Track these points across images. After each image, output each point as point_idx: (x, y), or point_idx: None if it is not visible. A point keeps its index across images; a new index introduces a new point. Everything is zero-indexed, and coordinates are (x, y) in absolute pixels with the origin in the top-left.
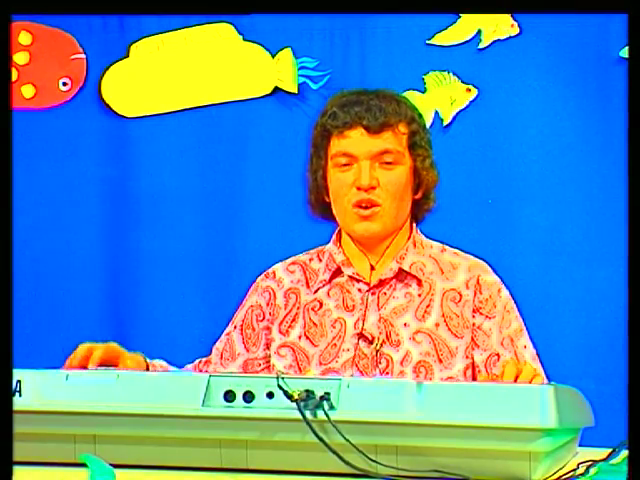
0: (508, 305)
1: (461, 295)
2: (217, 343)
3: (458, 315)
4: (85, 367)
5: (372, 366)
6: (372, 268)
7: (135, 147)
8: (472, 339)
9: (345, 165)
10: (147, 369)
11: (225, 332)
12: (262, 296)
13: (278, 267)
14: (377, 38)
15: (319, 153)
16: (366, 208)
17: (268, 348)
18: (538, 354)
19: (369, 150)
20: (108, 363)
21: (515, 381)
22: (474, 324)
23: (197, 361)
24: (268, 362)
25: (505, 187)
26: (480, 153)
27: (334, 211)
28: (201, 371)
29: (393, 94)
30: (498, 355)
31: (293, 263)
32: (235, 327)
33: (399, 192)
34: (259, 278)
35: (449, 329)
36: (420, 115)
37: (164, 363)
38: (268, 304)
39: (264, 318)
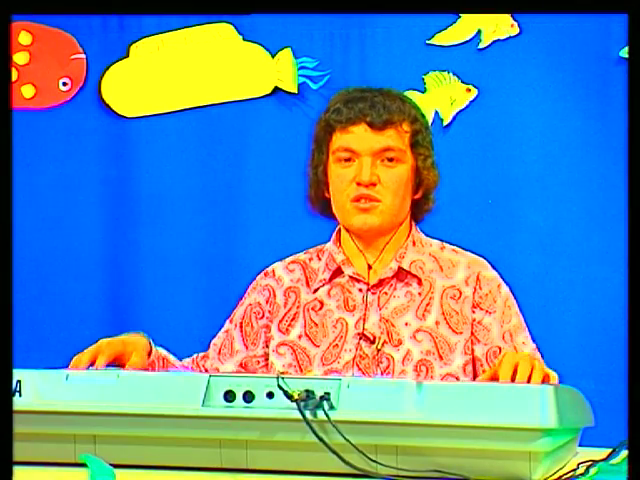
0: (508, 301)
1: (461, 292)
2: (215, 339)
3: (458, 312)
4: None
5: (373, 366)
6: (369, 267)
7: (135, 147)
8: (473, 334)
9: (346, 160)
10: (149, 354)
11: (223, 329)
12: (261, 294)
13: (278, 266)
14: (377, 38)
15: (321, 148)
16: (365, 202)
17: (267, 346)
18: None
19: (371, 146)
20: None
21: (514, 370)
22: (474, 319)
23: (195, 355)
24: (267, 360)
25: (505, 187)
26: (480, 153)
27: (333, 207)
28: (198, 365)
29: (397, 93)
30: (499, 348)
31: (293, 262)
32: (235, 325)
33: (399, 190)
34: (258, 276)
35: (449, 326)
36: (423, 115)
37: (165, 352)
38: (267, 302)
39: (263, 316)
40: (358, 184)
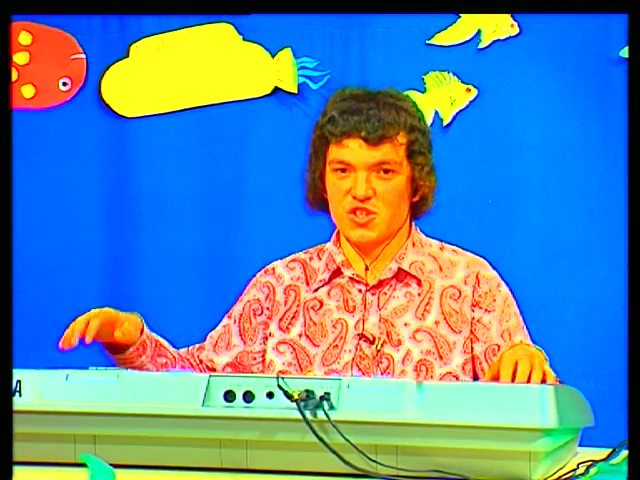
0: (508, 300)
1: (460, 291)
2: (212, 332)
3: (457, 311)
4: (83, 338)
5: (373, 366)
6: (366, 268)
7: (135, 147)
8: (472, 332)
9: (342, 171)
10: (142, 332)
11: (222, 323)
12: (261, 291)
13: (278, 264)
14: (377, 38)
15: (318, 156)
16: (361, 215)
17: (264, 343)
18: None
19: (366, 161)
20: (106, 329)
21: (514, 368)
22: (473, 318)
23: (191, 346)
24: (263, 356)
25: (505, 187)
26: (480, 153)
27: (331, 212)
28: (193, 356)
29: (394, 100)
30: (498, 346)
31: (293, 260)
32: (234, 320)
33: (395, 200)
34: (258, 274)
35: (449, 326)
36: (421, 118)
37: (159, 337)
38: (267, 299)
39: (262, 313)
40: (354, 197)
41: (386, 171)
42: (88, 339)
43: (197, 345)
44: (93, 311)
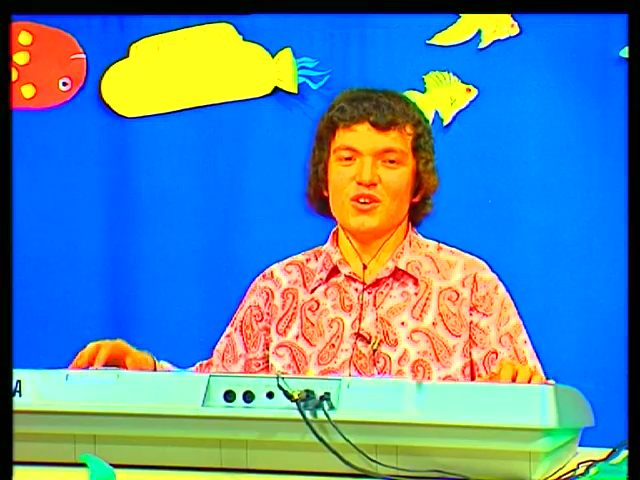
0: (505, 302)
1: (458, 294)
2: (218, 345)
3: (455, 314)
4: (91, 365)
5: (370, 365)
6: (364, 267)
7: (135, 147)
8: (470, 337)
9: (348, 159)
10: (154, 369)
11: (225, 334)
12: (260, 297)
13: (275, 267)
14: (377, 38)
15: (322, 146)
16: (365, 203)
17: (267, 348)
18: (537, 353)
19: (374, 146)
20: (115, 361)
21: (513, 381)
22: (471, 322)
23: (198, 364)
24: (267, 362)
25: (505, 187)
26: (480, 153)
27: (331, 205)
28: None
29: (401, 95)
30: (496, 353)
31: (290, 263)
32: (235, 328)
33: (400, 192)
34: (257, 279)
35: (446, 328)
36: (426, 120)
37: (170, 365)
38: (266, 304)
39: (262, 319)
40: (359, 183)
41: (392, 161)
42: (96, 366)
43: (205, 362)
44: (105, 341)
